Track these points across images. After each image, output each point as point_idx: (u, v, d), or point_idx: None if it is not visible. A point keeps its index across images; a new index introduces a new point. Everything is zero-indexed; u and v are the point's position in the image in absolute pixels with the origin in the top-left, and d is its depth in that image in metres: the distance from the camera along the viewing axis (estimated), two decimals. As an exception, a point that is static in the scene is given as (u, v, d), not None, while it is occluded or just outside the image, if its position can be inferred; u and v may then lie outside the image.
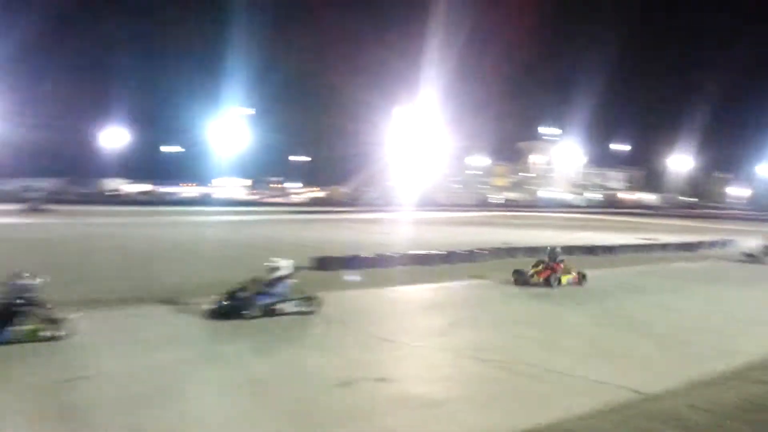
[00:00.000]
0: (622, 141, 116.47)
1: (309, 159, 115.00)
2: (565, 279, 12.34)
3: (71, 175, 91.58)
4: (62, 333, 7.14)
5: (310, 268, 14.14)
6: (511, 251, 19.10)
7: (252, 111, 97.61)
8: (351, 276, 12.61)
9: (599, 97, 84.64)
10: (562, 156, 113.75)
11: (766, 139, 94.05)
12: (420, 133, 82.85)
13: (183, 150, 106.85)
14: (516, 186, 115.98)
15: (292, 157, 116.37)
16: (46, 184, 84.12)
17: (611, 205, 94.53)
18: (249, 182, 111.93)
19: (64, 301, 7.96)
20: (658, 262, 19.66)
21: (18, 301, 6.94)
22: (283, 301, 8.72)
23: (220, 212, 50.96)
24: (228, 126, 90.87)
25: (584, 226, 39.81)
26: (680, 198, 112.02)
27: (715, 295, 13.41)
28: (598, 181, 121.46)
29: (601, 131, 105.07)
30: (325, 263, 14.69)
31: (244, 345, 7.53)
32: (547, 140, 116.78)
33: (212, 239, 24.57)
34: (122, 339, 7.55)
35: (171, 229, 30.12)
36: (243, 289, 8.67)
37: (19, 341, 6.80)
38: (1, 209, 47.13)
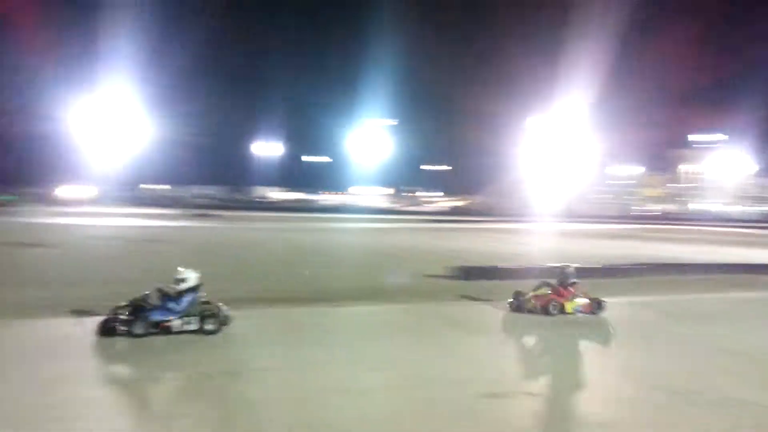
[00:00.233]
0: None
1: (447, 168, 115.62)
2: (570, 306, 9.82)
3: (230, 183, 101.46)
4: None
5: (454, 278, 13.94)
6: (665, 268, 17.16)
7: (394, 122, 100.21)
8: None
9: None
10: (722, 164, 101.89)
11: None
12: (560, 142, 79.41)
13: (325, 160, 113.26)
14: (668, 197, 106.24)
15: (427, 167, 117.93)
16: (212, 191, 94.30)
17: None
18: (390, 191, 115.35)
19: (225, 298, 8.52)
20: None
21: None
22: (182, 317, 7.58)
23: (359, 220, 52.84)
24: (367, 136, 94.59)
25: (743, 242, 34.56)
26: None
27: None
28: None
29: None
30: (469, 273, 14.36)
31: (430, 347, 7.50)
32: (702, 148, 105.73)
33: (353, 245, 25.44)
34: (277, 336, 7.92)
35: (316, 234, 31.81)
36: (137, 302, 7.54)
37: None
38: (174, 214, 53.33)
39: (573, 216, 66.23)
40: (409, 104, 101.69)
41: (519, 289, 10.08)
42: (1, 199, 77.90)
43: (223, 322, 7.76)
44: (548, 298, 9.66)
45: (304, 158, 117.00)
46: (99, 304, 8.36)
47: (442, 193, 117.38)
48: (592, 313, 9.78)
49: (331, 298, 10.73)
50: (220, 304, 7.99)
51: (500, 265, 15.73)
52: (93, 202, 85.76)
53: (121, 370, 6.47)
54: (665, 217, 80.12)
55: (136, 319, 7.30)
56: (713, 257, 21.60)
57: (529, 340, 8.75)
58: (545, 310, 9.53)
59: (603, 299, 9.97)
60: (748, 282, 14.86)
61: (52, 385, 5.41)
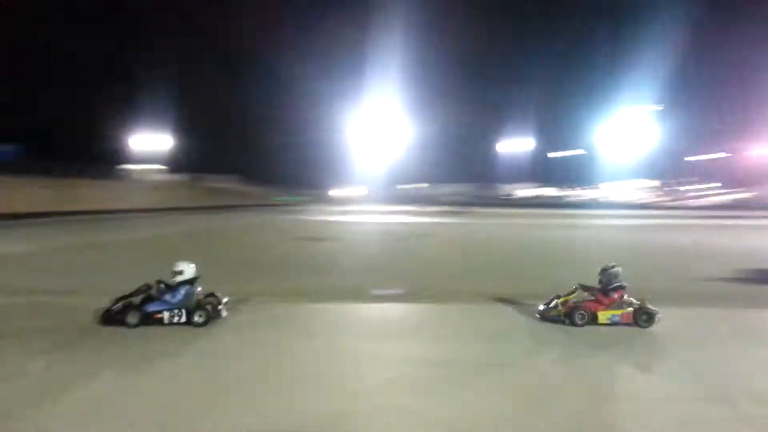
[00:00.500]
0: None
1: (722, 156, 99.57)
2: (605, 316, 7.99)
3: (479, 181, 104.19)
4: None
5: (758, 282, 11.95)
6: None
7: (659, 107, 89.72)
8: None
9: None
10: None
11: None
12: None
13: (576, 153, 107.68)
14: None
15: (695, 157, 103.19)
16: (462, 189, 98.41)
17: None
18: (652, 183, 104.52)
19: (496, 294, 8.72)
20: None
21: None
22: (171, 309, 7.68)
23: (617, 216, 48.92)
24: (626, 125, 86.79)
25: None
26: None
27: None
28: None
29: None
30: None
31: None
32: None
33: (618, 244, 23.64)
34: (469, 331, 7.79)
35: (569, 231, 30.47)
36: (136, 293, 7.86)
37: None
38: (430, 211, 56.88)
39: None
40: (675, 87, 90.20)
41: (558, 294, 8.42)
42: (288, 200, 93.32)
43: (212, 315, 7.85)
44: (575, 304, 8.06)
45: (552, 154, 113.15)
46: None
47: (717, 184, 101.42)
48: (637, 325, 7.87)
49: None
50: (225, 298, 8.31)
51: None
52: (362, 201, 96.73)
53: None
54: None
55: (131, 310, 7.63)
56: None
57: None
58: (570, 318, 7.97)
59: (654, 309, 7.88)
60: None
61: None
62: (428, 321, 8.25)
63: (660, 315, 7.86)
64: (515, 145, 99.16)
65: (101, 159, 56.53)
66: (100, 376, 5.68)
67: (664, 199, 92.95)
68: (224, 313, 8.16)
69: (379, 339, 7.14)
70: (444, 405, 5.05)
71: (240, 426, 4.57)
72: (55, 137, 53.15)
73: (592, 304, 8.06)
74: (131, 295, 7.87)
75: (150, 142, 66.72)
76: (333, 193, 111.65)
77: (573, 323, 7.92)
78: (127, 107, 64.21)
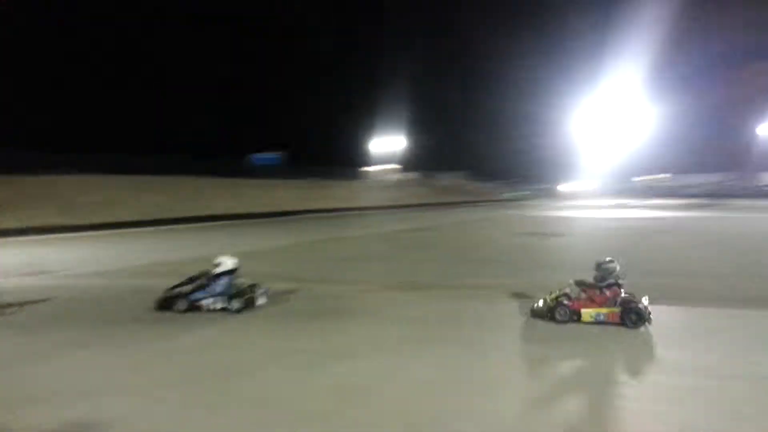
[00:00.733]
0: None
1: None
2: (588, 314, 7.34)
3: (733, 170, 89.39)
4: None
5: None
6: None
7: None
8: None
9: None
10: None
11: None
12: None
13: None
14: None
15: None
16: (712, 179, 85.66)
17: None
18: None
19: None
20: None
21: None
22: (210, 297, 8.68)
23: None
24: None
25: None
26: None
27: None
28: None
29: None
30: None
31: None
32: None
33: None
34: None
35: None
36: (186, 282, 8.89)
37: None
38: (674, 204, 50.94)
39: None
40: None
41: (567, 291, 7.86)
42: (517, 196, 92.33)
43: (249, 302, 8.70)
44: (557, 301, 7.65)
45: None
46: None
47: None
48: (624, 324, 7.24)
49: None
50: (265, 287, 9.14)
51: None
52: (594, 194, 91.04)
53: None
54: None
55: (180, 298, 8.66)
56: None
57: None
58: (551, 315, 7.61)
59: (645, 308, 7.24)
60: None
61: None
62: (701, 327, 7.46)
63: (649, 315, 7.20)
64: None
65: (346, 162, 63.66)
66: (359, 354, 6.73)
67: None
68: (260, 302, 8.90)
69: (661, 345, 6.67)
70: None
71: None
72: (310, 144, 61.63)
73: (580, 302, 7.65)
74: (181, 285, 8.86)
75: (386, 144, 72.72)
76: (563, 187, 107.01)
77: (554, 320, 7.60)
78: (368, 114, 70.89)
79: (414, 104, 70.93)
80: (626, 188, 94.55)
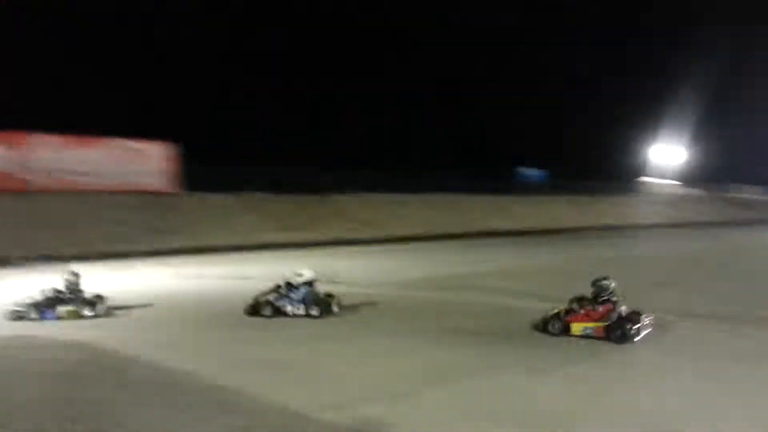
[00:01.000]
0: None
1: None
2: (578, 328, 8.21)
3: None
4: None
5: None
6: None
7: None
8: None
9: None
10: None
11: None
12: None
13: None
14: None
15: None
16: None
17: None
18: None
19: None
20: None
21: None
22: (292, 304, 9.54)
23: None
24: None
25: None
26: None
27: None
28: None
29: None
30: None
31: None
32: None
33: None
34: None
35: None
36: (270, 292, 9.74)
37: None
38: None
39: None
40: None
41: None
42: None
43: (326, 310, 9.58)
44: (551, 315, 8.46)
45: None
46: None
47: None
48: (608, 339, 8.01)
49: None
50: (339, 297, 9.92)
51: None
52: None
53: None
54: None
55: (266, 305, 9.56)
56: None
57: None
58: (545, 327, 8.49)
59: (632, 326, 7.99)
60: None
61: None
62: None
63: (633, 332, 7.83)
64: None
65: (619, 175, 59.15)
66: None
67: None
68: (335, 309, 9.74)
69: None
70: None
71: None
72: (578, 158, 58.34)
73: (577, 316, 8.31)
74: (267, 293, 9.76)
75: (665, 155, 65.45)
76: None
77: (546, 331, 8.46)
78: (649, 120, 63.93)
79: (704, 106, 61.18)
80: None
